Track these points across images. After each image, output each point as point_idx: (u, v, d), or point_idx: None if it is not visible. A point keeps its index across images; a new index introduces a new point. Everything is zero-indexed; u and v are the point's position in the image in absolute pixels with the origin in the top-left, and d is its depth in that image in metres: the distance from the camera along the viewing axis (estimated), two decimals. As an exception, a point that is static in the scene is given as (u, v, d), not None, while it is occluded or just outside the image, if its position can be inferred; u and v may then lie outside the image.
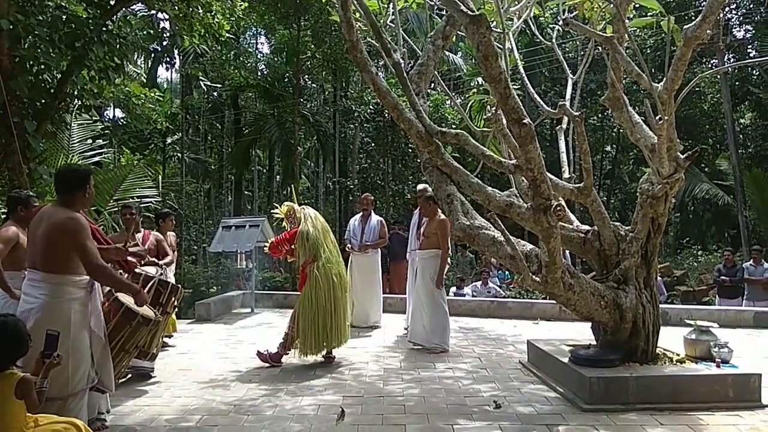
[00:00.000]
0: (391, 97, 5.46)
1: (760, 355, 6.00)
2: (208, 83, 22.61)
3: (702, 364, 4.71)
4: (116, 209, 9.69)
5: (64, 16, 7.32)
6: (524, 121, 3.95)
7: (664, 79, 4.51)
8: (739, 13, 21.45)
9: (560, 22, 5.14)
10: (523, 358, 5.87)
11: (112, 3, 8.00)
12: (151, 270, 5.20)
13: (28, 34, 7.02)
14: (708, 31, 4.37)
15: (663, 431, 3.91)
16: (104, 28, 7.61)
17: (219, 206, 28.15)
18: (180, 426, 4.10)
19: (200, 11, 8.62)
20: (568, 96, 5.45)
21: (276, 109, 21.85)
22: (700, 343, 4.86)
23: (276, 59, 23.59)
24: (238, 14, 9.71)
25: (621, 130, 18.65)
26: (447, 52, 16.95)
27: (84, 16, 7.53)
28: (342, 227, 18.71)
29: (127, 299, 4.06)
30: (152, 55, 11.72)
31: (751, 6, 21.05)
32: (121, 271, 4.42)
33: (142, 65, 20.00)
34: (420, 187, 6.91)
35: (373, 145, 20.17)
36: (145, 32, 9.32)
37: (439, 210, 6.13)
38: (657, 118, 4.51)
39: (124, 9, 8.59)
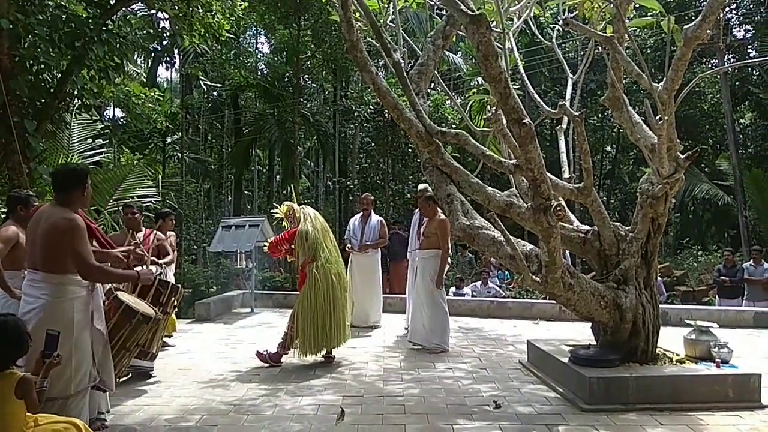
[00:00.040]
0: (391, 97, 5.46)
1: (760, 356, 6.00)
2: (208, 83, 22.61)
3: (702, 364, 4.71)
4: (116, 209, 9.69)
5: (64, 16, 7.32)
6: (524, 120, 3.95)
7: (664, 79, 4.51)
8: (739, 13, 21.46)
9: (560, 22, 5.14)
10: (523, 358, 5.87)
11: (112, 2, 8.00)
12: (151, 269, 5.19)
13: (28, 33, 7.01)
14: (708, 31, 4.37)
15: (663, 431, 3.91)
16: (104, 28, 7.61)
17: (219, 206, 28.16)
18: (180, 426, 4.10)
19: (200, 11, 8.62)
20: (568, 96, 5.45)
21: (276, 108, 21.86)
22: (700, 344, 4.86)
23: (276, 59, 23.59)
24: (238, 14, 9.71)
25: (621, 130, 18.64)
26: (447, 52, 16.95)
27: (84, 15, 7.53)
28: (342, 227, 18.71)
29: (126, 297, 4.05)
30: (152, 54, 11.70)
31: (751, 6, 21.05)
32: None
33: (142, 65, 19.97)
34: (421, 186, 6.91)
35: (373, 144, 20.17)
36: (145, 32, 9.32)
37: (439, 210, 6.12)
38: (657, 118, 4.51)
39: (124, 8, 8.59)
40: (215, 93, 25.14)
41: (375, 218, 8.02)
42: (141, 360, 4.82)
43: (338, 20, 5.63)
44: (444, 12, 6.45)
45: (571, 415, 4.24)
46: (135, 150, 17.66)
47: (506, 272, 13.44)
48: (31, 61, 7.26)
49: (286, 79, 21.49)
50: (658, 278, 9.28)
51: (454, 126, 15.09)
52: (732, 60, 20.47)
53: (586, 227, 5.27)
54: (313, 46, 18.13)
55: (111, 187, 10.06)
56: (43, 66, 7.40)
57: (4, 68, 6.86)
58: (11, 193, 5.06)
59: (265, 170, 27.92)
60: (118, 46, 7.79)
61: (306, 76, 21.56)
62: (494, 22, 5.01)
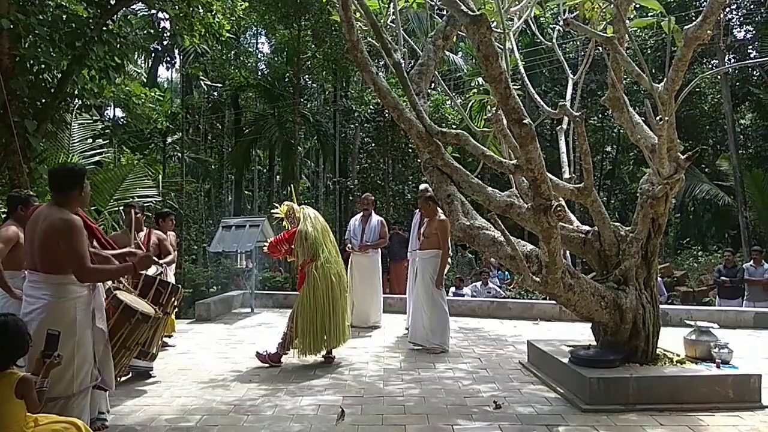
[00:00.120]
0: (392, 97, 5.46)
1: (760, 356, 6.00)
2: (209, 83, 22.61)
3: (702, 364, 4.71)
4: (116, 209, 9.69)
5: (64, 16, 7.32)
6: (524, 121, 3.95)
7: (665, 79, 4.51)
8: (740, 14, 21.43)
9: (561, 23, 5.13)
10: (523, 359, 5.87)
11: (112, 2, 8.00)
12: (151, 269, 5.19)
13: (28, 33, 7.02)
14: (708, 32, 4.37)
15: (663, 431, 3.92)
16: (104, 28, 7.62)
17: (219, 206, 28.15)
18: (180, 426, 4.10)
19: (200, 11, 8.63)
20: (568, 96, 5.45)
21: (276, 108, 21.86)
22: (700, 344, 4.85)
23: (276, 59, 23.60)
24: (238, 14, 9.72)
25: (621, 131, 18.62)
26: (447, 52, 16.94)
27: (84, 15, 7.53)
28: (342, 227, 18.71)
29: (125, 297, 4.05)
30: (152, 54, 11.72)
31: (752, 6, 21.03)
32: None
33: (143, 65, 20.00)
34: (422, 187, 6.92)
35: (373, 145, 20.16)
36: (145, 32, 9.34)
37: (440, 210, 6.12)
38: (657, 118, 4.50)
39: (124, 8, 8.60)
40: (215, 93, 25.13)
41: (375, 218, 8.02)
42: (141, 360, 4.82)
43: (339, 20, 5.63)
44: (444, 12, 6.45)
45: (571, 416, 4.24)
46: (135, 150, 17.63)
47: (506, 272, 13.43)
48: (31, 61, 7.26)
49: (286, 79, 21.50)
50: (659, 279, 9.28)
51: (454, 126, 15.09)
52: (732, 60, 20.46)
53: (587, 228, 5.26)
54: (313, 46, 18.13)
55: (111, 187, 10.06)
56: (43, 66, 7.40)
57: (4, 68, 6.87)
58: (11, 193, 5.06)
59: (265, 170, 27.91)
60: (118, 46, 7.79)
61: (306, 76, 21.57)
62: (495, 23, 5.01)
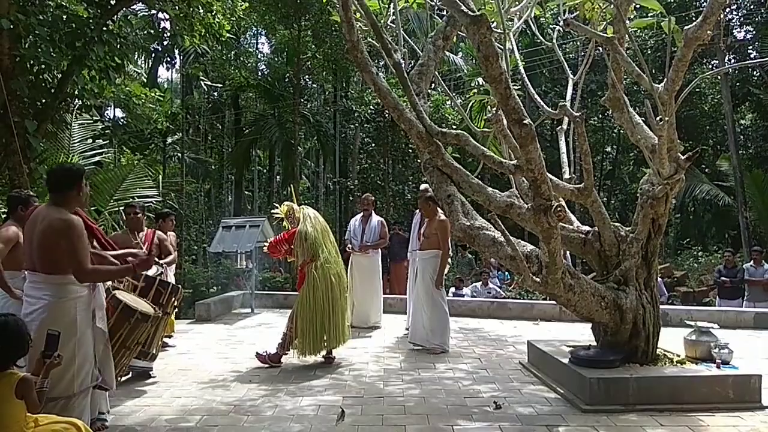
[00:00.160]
0: (392, 98, 5.47)
1: (760, 356, 6.00)
2: (209, 83, 22.61)
3: (702, 365, 4.71)
4: (116, 209, 9.70)
5: (64, 16, 7.33)
6: (525, 121, 3.95)
7: (665, 79, 4.51)
8: (740, 14, 21.43)
9: (561, 23, 5.13)
10: (523, 359, 5.87)
11: (112, 3, 8.00)
12: (152, 269, 5.19)
13: (28, 33, 7.02)
14: (708, 32, 4.37)
15: (663, 432, 3.92)
16: (105, 28, 7.62)
17: (219, 206, 28.15)
18: (180, 426, 4.10)
19: (201, 11, 8.63)
20: (568, 96, 5.45)
21: (276, 109, 21.86)
22: (700, 344, 4.86)
23: (276, 59, 23.60)
24: (238, 14, 9.73)
25: (621, 131, 18.60)
26: (447, 53, 16.94)
27: (84, 15, 7.53)
28: (342, 227, 18.71)
29: (125, 296, 4.05)
30: (153, 54, 11.72)
31: (752, 7, 21.04)
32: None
33: (143, 65, 19.99)
34: (422, 187, 6.92)
35: (373, 145, 20.16)
36: (145, 32, 9.34)
37: (440, 210, 6.12)
38: (657, 118, 4.51)
39: (124, 9, 8.60)
40: (216, 93, 25.14)
41: (375, 219, 8.02)
42: (141, 360, 4.82)
43: (339, 21, 5.63)
44: (444, 12, 6.45)
45: (571, 416, 4.24)
46: (135, 150, 17.63)
47: (506, 273, 13.44)
48: (31, 62, 7.27)
49: (286, 80, 21.50)
50: (659, 279, 9.28)
51: (454, 126, 15.09)
52: (732, 61, 20.46)
53: (587, 228, 5.26)
54: (313, 46, 18.13)
55: (111, 187, 10.07)
56: (43, 66, 7.40)
57: (4, 68, 6.87)
58: (12, 193, 5.06)
59: (265, 171, 27.91)
60: (118, 46, 7.80)
61: (306, 76, 21.57)
62: (495, 23, 5.01)
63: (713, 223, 23.27)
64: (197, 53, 18.00)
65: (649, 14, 5.35)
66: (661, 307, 5.31)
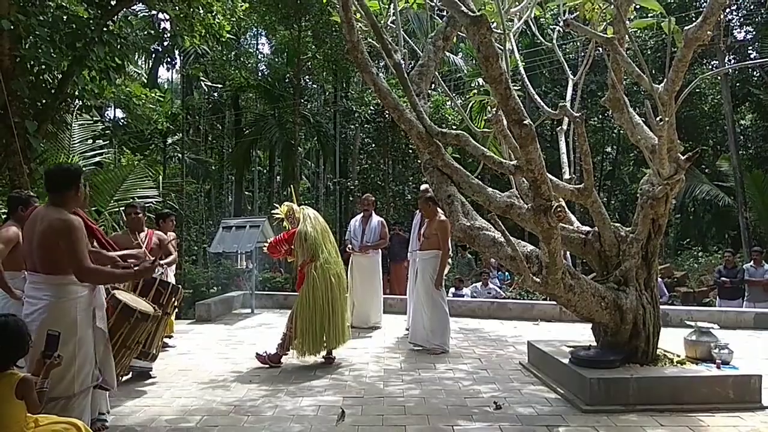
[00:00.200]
0: (392, 98, 5.47)
1: (760, 357, 6.00)
2: (209, 84, 22.62)
3: (702, 365, 4.71)
4: (116, 209, 9.70)
5: (64, 17, 7.33)
6: (525, 121, 3.95)
7: (665, 80, 4.51)
8: (740, 15, 21.43)
9: (561, 23, 5.14)
10: (523, 359, 5.87)
11: (112, 3, 8.01)
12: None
13: (29, 34, 7.03)
14: (709, 33, 4.37)
15: (663, 432, 3.92)
16: (105, 29, 7.63)
17: (219, 207, 28.16)
18: (180, 426, 4.10)
19: (201, 12, 8.64)
20: (568, 97, 5.45)
21: (276, 109, 21.86)
22: (700, 345, 4.85)
23: (276, 60, 23.61)
24: (238, 15, 9.74)
25: (621, 131, 18.62)
26: (448, 53, 16.95)
27: (85, 16, 7.54)
28: (342, 228, 18.71)
29: (124, 296, 4.05)
30: (153, 55, 11.73)
31: (752, 7, 21.04)
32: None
33: (143, 65, 20.01)
34: (423, 187, 6.92)
35: (373, 145, 20.16)
36: (145, 32, 9.35)
37: (440, 211, 6.13)
38: (657, 119, 4.51)
39: (124, 9, 8.60)
40: (216, 94, 25.14)
41: (376, 219, 8.02)
42: (142, 360, 4.82)
43: (339, 21, 5.63)
44: (444, 13, 6.45)
45: (571, 416, 4.24)
46: (135, 151, 17.64)
47: (506, 273, 13.44)
48: (32, 62, 7.27)
49: (286, 80, 21.50)
50: (659, 279, 9.28)
51: (454, 127, 15.09)
52: (732, 61, 20.46)
53: (587, 228, 5.27)
54: (313, 47, 18.14)
55: (112, 187, 10.08)
56: (44, 67, 7.41)
57: (5, 69, 6.87)
58: (12, 193, 5.06)
59: (265, 171, 27.92)
60: (118, 46, 7.80)
61: (307, 77, 21.59)
62: (495, 24, 5.01)
63: (713, 224, 23.27)
64: (197, 54, 18.03)
65: (649, 15, 5.35)
66: (661, 307, 5.31)
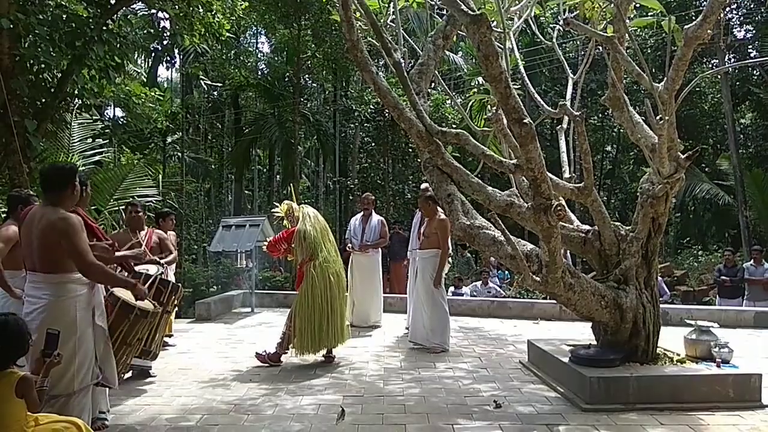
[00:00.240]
0: (392, 97, 5.47)
1: (760, 356, 6.00)
2: (209, 82, 22.59)
3: (702, 364, 4.71)
4: (116, 208, 9.69)
5: (64, 15, 7.32)
6: (525, 120, 3.95)
7: (665, 79, 4.51)
8: (740, 13, 21.43)
9: (561, 22, 5.14)
10: (523, 358, 5.87)
11: (112, 2, 8.00)
12: (152, 268, 5.19)
13: (28, 33, 7.02)
14: (709, 31, 4.37)
15: (663, 431, 3.91)
16: (104, 28, 7.61)
17: (219, 205, 28.16)
18: (180, 425, 4.10)
19: (200, 10, 8.63)
20: (568, 96, 5.45)
21: (276, 108, 21.85)
22: (700, 343, 4.85)
23: (276, 58, 23.60)
24: (238, 13, 9.72)
25: (621, 130, 18.63)
26: (447, 52, 16.93)
27: (84, 15, 7.53)
28: (342, 227, 18.72)
29: (123, 293, 4.05)
30: (152, 54, 11.70)
31: (752, 6, 21.03)
32: (121, 269, 4.42)
33: (143, 64, 19.97)
34: (423, 186, 6.92)
35: (373, 144, 20.16)
36: (145, 31, 9.34)
37: (440, 209, 6.13)
38: (657, 117, 4.50)
39: (124, 8, 8.60)
40: (215, 93, 25.12)
41: (376, 218, 8.02)
42: (142, 359, 4.82)
43: (339, 20, 5.63)
44: (444, 12, 6.45)
45: (571, 415, 4.24)
46: (135, 150, 17.63)
47: (506, 272, 13.44)
48: (31, 61, 7.26)
49: (286, 79, 21.49)
50: (659, 278, 9.28)
51: (454, 126, 15.09)
52: (732, 60, 20.46)
53: (587, 227, 5.26)
54: (313, 45, 18.12)
55: (111, 186, 10.07)
56: (43, 65, 7.40)
57: (4, 68, 6.86)
58: (12, 192, 5.06)
59: (265, 170, 27.91)
60: (118, 45, 7.79)
61: (306, 75, 21.55)
62: (495, 22, 5.01)
63: (713, 222, 23.28)
64: (197, 52, 17.98)
65: (649, 13, 5.34)
66: (661, 306, 5.31)
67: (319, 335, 5.57)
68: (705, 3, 4.46)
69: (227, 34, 9.47)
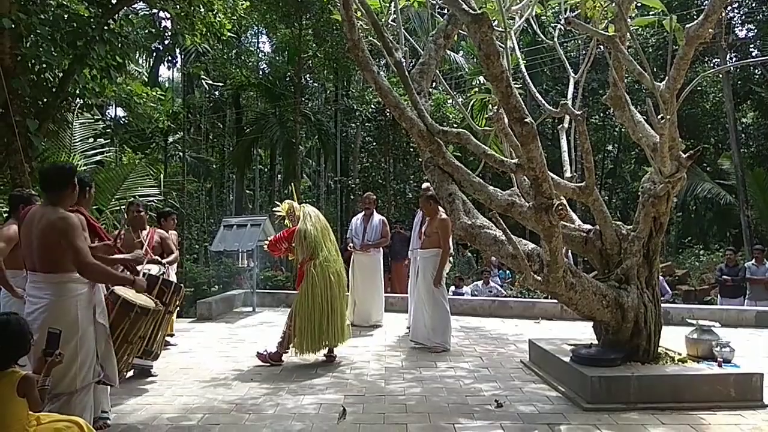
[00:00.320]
0: (393, 96, 5.47)
1: (761, 355, 5.99)
2: (210, 82, 22.62)
3: (704, 363, 4.70)
4: (118, 208, 9.70)
5: (65, 15, 7.33)
6: (526, 120, 3.95)
7: (666, 78, 4.50)
8: (742, 12, 21.40)
9: (562, 21, 5.13)
10: (524, 358, 5.87)
11: (113, 2, 8.00)
12: (154, 268, 5.20)
13: (29, 32, 7.02)
14: (710, 30, 4.36)
15: (664, 431, 3.91)
16: (106, 27, 7.62)
17: (220, 205, 28.18)
18: (181, 425, 4.11)
19: (202, 10, 8.63)
20: (569, 95, 5.45)
21: (277, 108, 21.86)
22: (701, 343, 4.85)
23: (277, 58, 23.60)
24: (239, 13, 9.72)
25: (623, 129, 18.63)
26: (449, 51, 16.91)
27: (86, 14, 7.54)
28: (344, 226, 18.72)
29: (123, 291, 4.05)
30: (154, 53, 11.74)
31: (754, 5, 21.01)
32: (123, 268, 4.42)
33: (144, 64, 20.01)
34: (424, 186, 6.92)
35: (374, 144, 20.17)
36: (146, 31, 9.34)
37: (441, 209, 6.12)
38: (659, 117, 4.50)
39: (125, 8, 8.60)
40: (217, 92, 25.15)
41: (377, 218, 8.02)
42: (143, 359, 4.82)
43: (340, 19, 5.63)
44: (445, 11, 6.45)
45: (572, 414, 4.24)
46: (137, 149, 17.67)
47: (507, 271, 13.44)
48: (33, 61, 7.27)
49: (287, 79, 21.50)
50: (661, 277, 9.28)
51: (455, 125, 15.09)
52: (734, 59, 20.43)
53: (588, 226, 5.26)
54: (314, 45, 18.13)
55: (113, 186, 10.08)
56: (44, 65, 7.41)
57: (6, 67, 6.87)
58: (13, 192, 5.06)
59: (266, 169, 27.93)
60: (119, 45, 7.79)
61: (307, 75, 21.58)
62: (496, 21, 5.01)
63: (715, 222, 23.26)
64: (198, 52, 18.02)
65: (651, 12, 5.33)
66: (663, 305, 5.30)
67: (319, 334, 5.57)
68: (706, 2, 4.45)
69: (228, 33, 9.47)
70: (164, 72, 34.59)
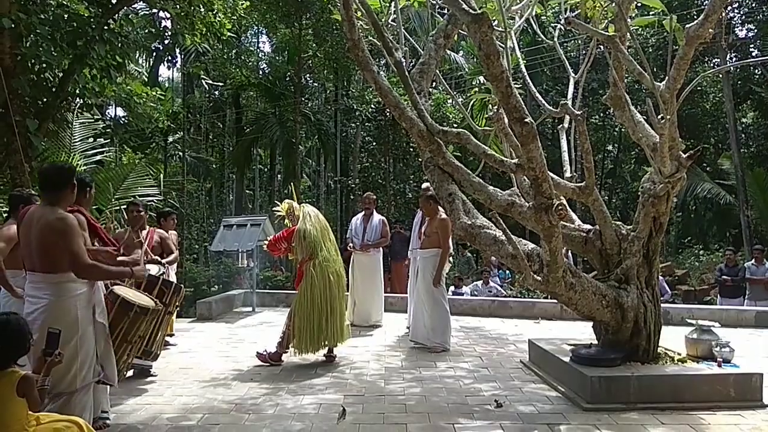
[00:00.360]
0: (393, 96, 5.47)
1: (761, 355, 5.99)
2: (210, 82, 22.63)
3: (703, 363, 4.70)
4: (117, 208, 9.70)
5: (65, 15, 7.33)
6: (526, 120, 3.95)
7: (666, 78, 4.50)
8: (742, 12, 21.41)
9: (562, 21, 5.13)
10: (524, 358, 5.87)
11: (113, 1, 8.00)
12: (154, 268, 5.20)
13: (29, 32, 7.02)
14: (710, 30, 4.36)
15: (664, 431, 3.91)
16: (106, 27, 7.62)
17: (220, 205, 28.18)
18: (181, 425, 4.10)
19: (202, 10, 8.63)
20: (569, 95, 5.44)
21: (277, 107, 21.87)
22: (701, 343, 4.85)
23: (277, 58, 23.62)
24: (239, 13, 9.72)
25: (623, 129, 18.63)
26: (449, 51, 16.91)
27: (86, 14, 7.54)
28: (343, 226, 18.73)
29: (122, 291, 4.05)
30: (154, 53, 11.74)
31: (754, 5, 21.01)
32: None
33: (144, 64, 20.02)
34: (424, 185, 6.92)
35: (374, 144, 20.17)
36: (146, 31, 9.34)
37: (441, 209, 6.12)
38: (659, 117, 4.50)
39: (125, 7, 8.60)
40: (217, 92, 25.16)
41: (377, 217, 8.02)
42: (143, 359, 4.82)
43: (340, 19, 5.63)
44: (445, 11, 6.45)
45: (572, 414, 4.24)
46: (136, 149, 17.68)
47: (506, 271, 13.45)
48: (32, 60, 7.27)
49: (287, 78, 21.51)
50: (661, 277, 9.27)
51: (455, 125, 15.08)
52: (734, 59, 20.43)
53: (588, 226, 5.26)
54: (314, 45, 18.14)
55: (113, 186, 10.07)
56: (44, 65, 7.41)
57: (6, 67, 6.86)
58: (13, 192, 5.06)
59: (266, 169, 27.93)
60: (119, 45, 7.79)
61: (307, 75, 21.59)
62: (496, 21, 5.01)
63: (714, 222, 23.27)
64: (198, 52, 18.02)
65: (651, 12, 5.33)
66: (662, 305, 5.30)
67: (318, 334, 5.57)
68: (706, 2, 4.45)
69: (228, 33, 9.47)
70: (164, 72, 34.65)
